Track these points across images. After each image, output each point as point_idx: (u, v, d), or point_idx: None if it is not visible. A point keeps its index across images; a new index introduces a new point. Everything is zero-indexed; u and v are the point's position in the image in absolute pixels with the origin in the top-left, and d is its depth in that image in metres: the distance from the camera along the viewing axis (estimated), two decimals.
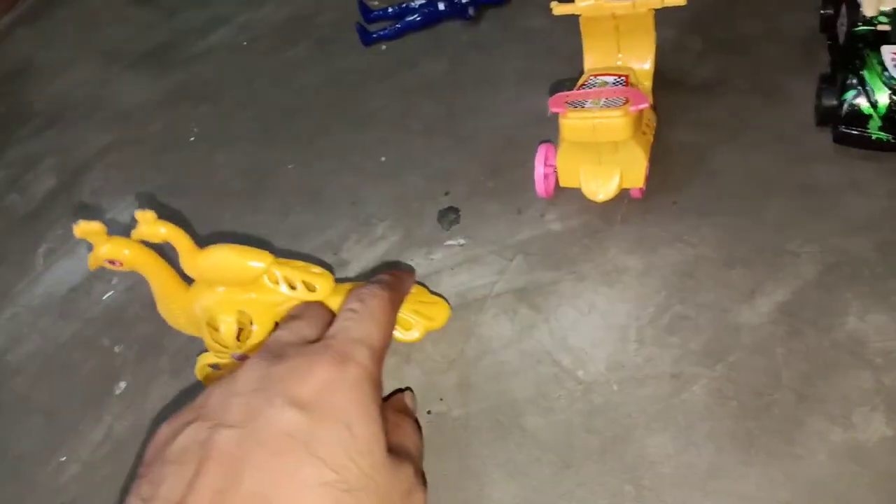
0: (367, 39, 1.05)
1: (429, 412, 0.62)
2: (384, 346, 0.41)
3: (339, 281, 0.55)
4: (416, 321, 0.63)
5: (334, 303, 0.49)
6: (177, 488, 0.28)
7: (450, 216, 0.79)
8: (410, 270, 0.64)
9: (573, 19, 0.75)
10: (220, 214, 0.88)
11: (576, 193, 0.75)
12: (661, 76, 0.81)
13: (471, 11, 1.03)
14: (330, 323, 0.43)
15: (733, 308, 0.62)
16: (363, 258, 0.77)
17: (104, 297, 0.83)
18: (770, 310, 0.61)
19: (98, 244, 0.50)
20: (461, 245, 0.75)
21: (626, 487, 0.54)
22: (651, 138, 0.72)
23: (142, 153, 1.03)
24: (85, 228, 0.49)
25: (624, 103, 0.63)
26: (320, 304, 0.45)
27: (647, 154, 0.69)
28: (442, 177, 0.83)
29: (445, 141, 0.88)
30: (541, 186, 0.73)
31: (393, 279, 0.49)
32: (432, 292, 0.70)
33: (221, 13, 1.24)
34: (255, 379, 0.34)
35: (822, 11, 0.81)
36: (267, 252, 0.47)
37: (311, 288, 0.50)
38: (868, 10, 0.63)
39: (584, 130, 0.64)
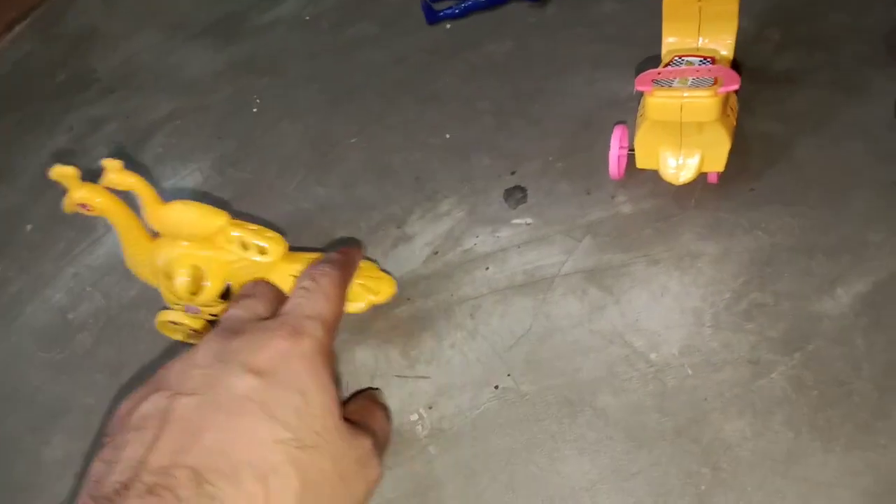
0: (433, 18, 1.05)
1: (496, 387, 0.62)
2: (336, 321, 0.44)
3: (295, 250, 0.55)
4: (362, 293, 0.65)
5: (288, 269, 0.51)
6: (138, 450, 0.30)
7: (517, 195, 0.78)
8: (359, 248, 0.65)
9: (646, 4, 0.74)
10: (284, 184, 0.89)
11: (647, 176, 0.74)
12: (740, 66, 0.79)
13: None
14: (281, 301, 0.45)
15: (813, 297, 0.61)
16: (427, 232, 0.77)
17: None
18: (852, 301, 0.60)
19: (73, 188, 0.50)
20: (528, 224, 0.75)
21: (702, 469, 0.53)
22: (734, 120, 0.71)
23: (205, 121, 1.04)
24: (59, 172, 0.50)
25: (713, 83, 0.62)
26: (270, 284, 0.48)
27: (732, 137, 0.67)
28: (508, 156, 0.83)
29: (512, 121, 0.87)
30: (615, 167, 0.72)
31: (342, 257, 0.52)
32: (381, 269, 0.72)
33: None
34: (213, 352, 0.37)
35: None
36: (224, 212, 0.48)
37: (263, 251, 0.51)
38: None
39: (671, 109, 0.63)
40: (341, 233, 0.80)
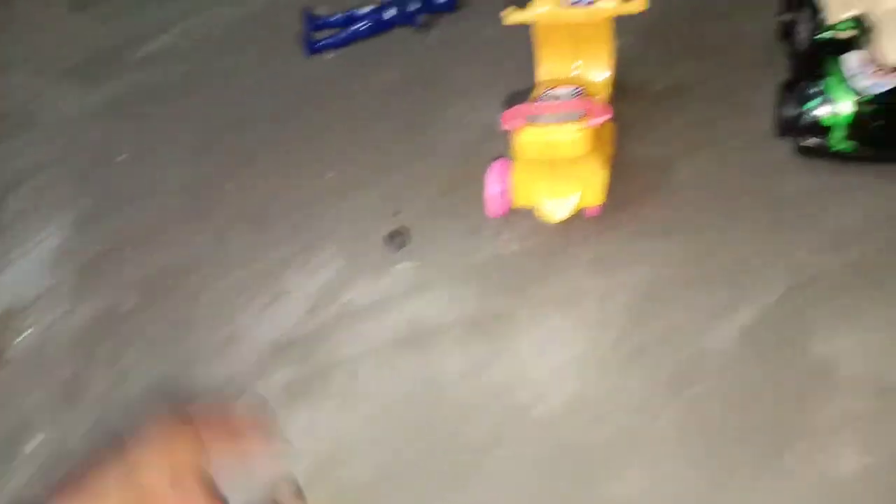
0: (311, 49, 1.00)
1: (378, 459, 0.57)
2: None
3: None
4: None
5: None
6: None
7: (400, 237, 0.74)
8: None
9: (527, 27, 0.72)
10: (151, 239, 0.82)
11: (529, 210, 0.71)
12: (621, 86, 0.77)
13: (420, 19, 0.98)
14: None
15: (698, 332, 0.59)
16: (304, 286, 0.72)
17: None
18: (735, 334, 0.58)
19: None
20: (412, 269, 0.70)
21: None
22: (612, 151, 0.68)
23: (71, 172, 0.96)
24: None
25: (582, 116, 0.59)
26: None
27: (607, 169, 0.65)
28: (393, 194, 0.78)
29: (397, 155, 0.83)
30: (494, 206, 0.69)
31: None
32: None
33: (162, 19, 1.17)
34: None
35: (780, 18, 0.78)
36: None
37: None
38: (832, 16, 0.60)
39: (541, 147, 0.60)
40: (209, 295, 0.74)
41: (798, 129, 0.66)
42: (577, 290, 0.64)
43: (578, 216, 0.68)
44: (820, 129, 0.64)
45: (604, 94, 0.74)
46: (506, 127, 0.61)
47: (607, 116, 0.59)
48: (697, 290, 0.62)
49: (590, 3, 0.68)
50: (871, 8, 0.58)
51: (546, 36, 0.72)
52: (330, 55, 1.01)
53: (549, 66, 0.74)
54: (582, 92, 0.65)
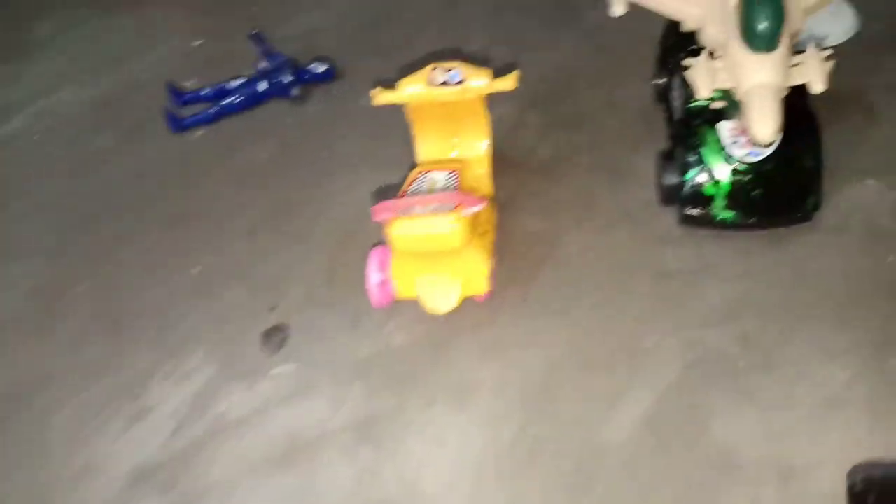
0: (178, 126, 0.93)
1: None
2: None
3: None
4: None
5: None
6: None
7: (277, 336, 0.68)
8: None
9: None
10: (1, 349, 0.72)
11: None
12: (502, 157, 0.75)
13: (295, 91, 0.93)
14: None
15: (595, 423, 0.56)
16: (170, 400, 0.64)
17: None
18: (634, 422, 0.55)
19: None
20: (290, 372, 0.64)
21: None
22: (492, 235, 0.65)
23: None
24: None
25: (456, 206, 0.56)
26: None
27: (489, 255, 0.62)
28: (268, 287, 0.72)
29: (273, 241, 0.77)
30: (376, 297, 0.64)
31: None
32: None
33: (11, 101, 1.07)
34: None
35: (655, 81, 0.79)
36: None
37: None
38: (700, 92, 0.60)
39: (416, 240, 0.56)
40: (62, 416, 0.65)
41: (681, 199, 0.65)
42: (470, 380, 0.60)
43: (466, 299, 0.64)
44: (702, 198, 0.64)
45: (482, 169, 0.72)
46: (377, 219, 0.57)
47: (481, 205, 0.56)
48: (594, 373, 0.59)
49: (459, 82, 0.66)
50: (735, 85, 0.58)
51: (419, 115, 0.69)
52: (199, 132, 0.94)
53: (427, 145, 0.71)
54: (458, 176, 0.62)
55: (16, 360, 0.72)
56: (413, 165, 0.72)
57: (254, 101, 0.94)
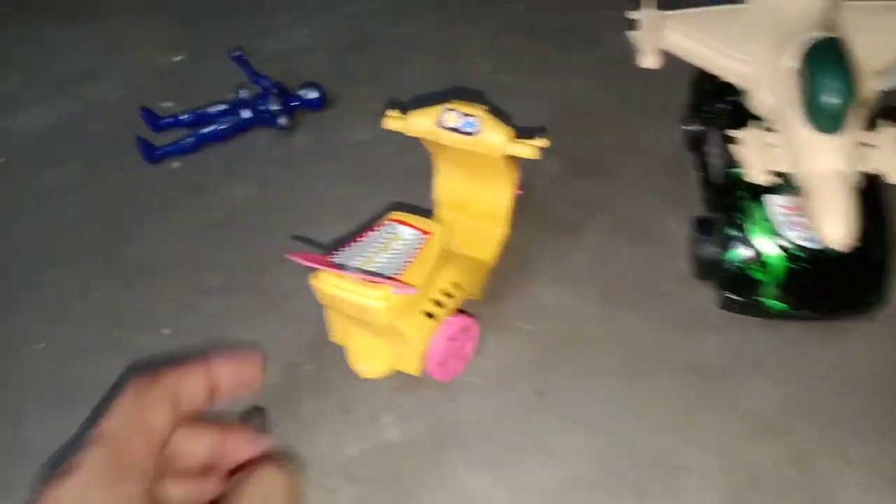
0: (152, 155, 0.84)
1: None
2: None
3: None
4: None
5: None
6: None
7: (254, 420, 0.58)
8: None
9: (399, 134, 0.61)
10: None
11: (415, 380, 0.57)
12: (516, 208, 0.66)
13: (283, 121, 0.84)
14: None
15: None
16: None
17: None
18: None
19: None
20: None
21: None
22: (450, 313, 0.55)
23: None
24: None
25: (388, 279, 0.48)
26: None
27: (428, 338, 0.53)
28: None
29: (251, 301, 0.68)
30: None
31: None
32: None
33: None
34: None
35: (687, 128, 0.70)
36: None
37: None
38: (754, 175, 0.51)
39: (339, 301, 0.50)
40: None
41: (721, 281, 0.57)
42: (473, 496, 0.52)
43: (471, 388, 0.55)
44: (747, 282, 0.55)
45: (500, 229, 0.63)
46: (295, 259, 0.52)
47: (412, 291, 0.49)
48: (616, 497, 0.50)
49: (471, 133, 0.57)
50: (795, 168, 0.49)
51: (435, 148, 0.62)
52: (174, 163, 0.84)
53: (444, 182, 0.64)
54: (425, 241, 0.54)
55: None
56: (394, 208, 0.63)
57: (237, 129, 0.85)
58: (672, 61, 0.64)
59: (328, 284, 0.50)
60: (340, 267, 0.50)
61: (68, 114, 0.93)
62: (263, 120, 0.85)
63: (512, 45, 0.92)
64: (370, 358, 0.55)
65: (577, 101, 0.82)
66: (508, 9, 0.97)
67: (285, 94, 0.85)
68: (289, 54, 0.96)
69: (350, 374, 0.58)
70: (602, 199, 0.71)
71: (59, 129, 0.91)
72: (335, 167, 0.80)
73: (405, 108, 0.62)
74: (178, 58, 0.99)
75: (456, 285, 0.56)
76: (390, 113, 0.61)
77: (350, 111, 0.87)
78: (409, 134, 0.61)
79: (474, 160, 0.59)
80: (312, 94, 0.86)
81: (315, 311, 0.65)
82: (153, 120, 0.87)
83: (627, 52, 0.61)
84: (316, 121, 0.87)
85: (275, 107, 0.84)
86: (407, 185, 0.71)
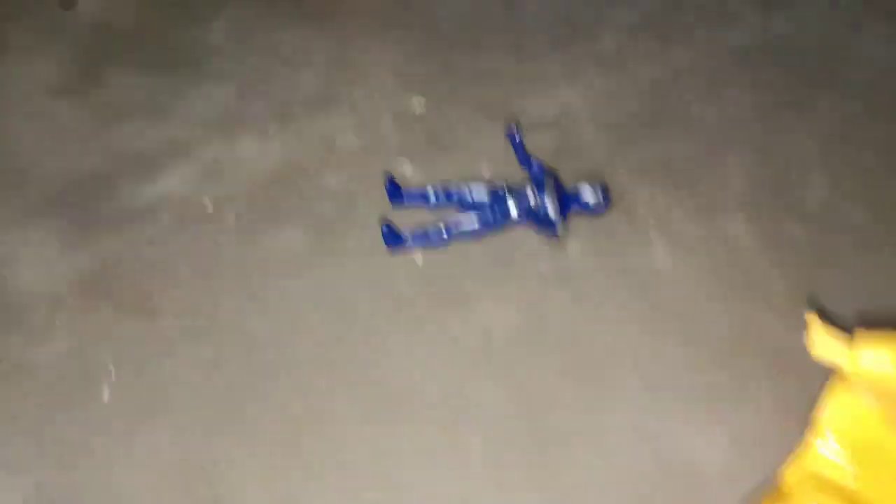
0: (394, 243, 0.69)
1: None
2: None
3: None
4: None
5: None
6: None
7: None
8: None
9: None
10: None
11: None
12: None
13: (560, 230, 0.67)
14: None
15: None
16: None
17: None
18: None
19: None
20: None
21: None
22: None
23: (23, 413, 0.65)
24: None
25: None
26: None
27: None
28: None
29: (515, 478, 0.53)
30: None
31: None
32: None
33: (178, 139, 0.84)
34: None
35: None
36: None
37: None
38: None
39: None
40: None
41: None
42: None
43: None
44: None
45: None
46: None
47: None
48: None
49: None
50: None
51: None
52: (418, 259, 0.70)
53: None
54: None
55: None
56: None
57: (496, 225, 0.69)
58: None
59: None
60: None
61: (293, 152, 0.78)
62: (534, 221, 0.68)
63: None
64: None
65: None
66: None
67: (562, 193, 0.68)
68: (557, 122, 0.78)
69: None
70: None
71: (283, 174, 0.76)
72: (628, 300, 0.63)
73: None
74: (419, 102, 0.82)
75: None
76: (860, 334, 0.43)
77: (632, 219, 0.69)
78: (843, 366, 0.43)
79: None
80: (593, 198, 0.68)
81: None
82: (394, 190, 0.72)
83: None
84: (593, 229, 0.69)
85: (550, 209, 0.67)
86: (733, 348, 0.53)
